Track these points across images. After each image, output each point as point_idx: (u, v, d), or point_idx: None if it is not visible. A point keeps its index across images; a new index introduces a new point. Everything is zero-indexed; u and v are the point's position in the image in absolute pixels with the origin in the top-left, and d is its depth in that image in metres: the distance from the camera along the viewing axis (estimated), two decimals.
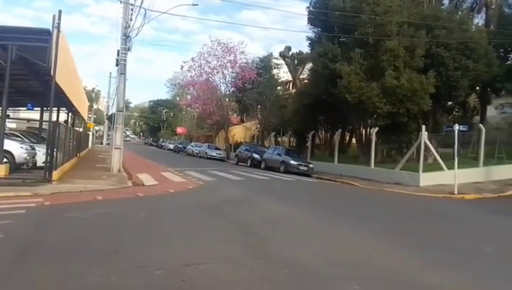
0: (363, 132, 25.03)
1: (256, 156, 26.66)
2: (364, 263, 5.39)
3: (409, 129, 21.90)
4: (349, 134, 29.96)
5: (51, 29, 10.47)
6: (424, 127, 18.02)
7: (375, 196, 14.83)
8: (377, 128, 20.63)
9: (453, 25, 20.17)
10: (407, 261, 5.63)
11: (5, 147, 11.29)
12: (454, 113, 24.60)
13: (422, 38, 19.87)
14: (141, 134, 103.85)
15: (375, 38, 19.71)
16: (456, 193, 14.89)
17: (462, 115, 24.65)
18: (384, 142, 23.73)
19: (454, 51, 19.57)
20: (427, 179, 17.00)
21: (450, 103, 23.32)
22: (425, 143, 17.57)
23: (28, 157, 12.97)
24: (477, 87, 22.73)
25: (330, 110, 24.99)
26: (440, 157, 17.95)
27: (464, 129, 16.72)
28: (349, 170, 21.38)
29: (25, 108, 24.58)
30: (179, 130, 68.29)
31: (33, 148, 13.51)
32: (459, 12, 23.08)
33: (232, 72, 36.12)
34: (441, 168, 17.57)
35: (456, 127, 15.74)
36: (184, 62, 38.72)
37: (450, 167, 16.24)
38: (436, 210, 12.03)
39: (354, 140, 28.55)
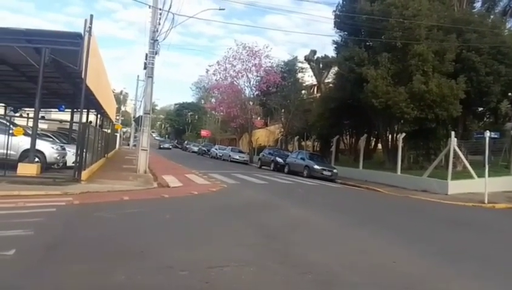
0: (390, 137, 24.63)
1: (279, 160, 26.60)
2: (389, 270, 5.27)
3: (437, 135, 21.39)
4: (374, 139, 29.55)
5: (82, 33, 10.79)
6: (453, 133, 17.53)
7: (401, 203, 14.52)
8: (404, 134, 20.25)
9: (484, 29, 19.63)
10: (433, 270, 5.47)
11: (37, 147, 11.66)
12: (485, 119, 23.92)
13: (452, 42, 19.41)
14: (166, 136, 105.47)
15: (403, 42, 19.39)
16: (486, 201, 14.43)
17: (493, 121, 23.93)
18: (412, 148, 23.24)
19: (486, 56, 19.04)
20: (456, 187, 16.54)
21: (480, 109, 22.69)
22: (454, 150, 17.10)
23: (58, 157, 13.34)
24: (510, 93, 21.98)
25: (355, 115, 24.72)
26: (470, 165, 17.44)
27: (495, 136, 16.19)
28: (374, 176, 21.04)
29: (56, 109, 25.39)
30: (203, 132, 68.98)
31: (63, 149, 13.91)
32: (491, 16, 22.47)
33: (257, 76, 36.30)
34: (470, 176, 17.06)
35: (487, 133, 15.28)
36: (209, 66, 39.21)
37: (481, 175, 15.76)
38: (465, 219, 11.66)
39: (379, 145, 28.14)
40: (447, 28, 19.86)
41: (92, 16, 11.05)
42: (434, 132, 21.40)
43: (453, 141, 17.05)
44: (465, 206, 14.17)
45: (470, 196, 15.63)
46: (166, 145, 61.19)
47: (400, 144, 20.01)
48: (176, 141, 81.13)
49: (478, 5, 24.28)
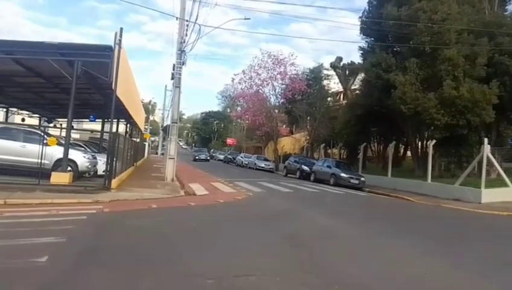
0: (419, 144, 24.07)
1: (305, 168, 26.42)
2: (421, 281, 5.11)
3: (469, 142, 20.71)
4: (403, 146, 28.92)
5: (112, 45, 11.12)
6: (486, 140, 16.94)
7: (432, 212, 14.09)
8: (434, 141, 19.72)
9: None
10: (467, 282, 5.26)
11: (69, 156, 12.05)
12: None
13: (483, 46, 18.86)
14: (193, 145, 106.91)
15: (432, 47, 18.98)
16: None
17: None
18: (443, 155, 22.58)
19: None
20: (489, 195, 15.93)
21: None
22: (487, 157, 16.50)
23: (89, 166, 13.73)
24: None
25: (383, 122, 24.30)
26: (505, 172, 16.79)
27: None
28: (403, 184, 20.53)
29: (88, 120, 26.15)
30: (229, 141, 69.52)
31: (94, 158, 14.30)
32: None
33: (282, 84, 36.34)
34: (505, 184, 16.44)
35: None
36: (235, 75, 39.81)
37: None
38: (500, 229, 11.20)
39: (409, 153, 27.52)
40: (477, 32, 19.31)
41: (121, 29, 11.41)
42: (466, 139, 20.75)
43: (486, 148, 16.47)
44: (500, 216, 13.61)
45: (505, 205, 15.02)
46: (203, 157, 48.12)
47: (430, 151, 19.48)
48: None
49: (510, 7, 23.56)
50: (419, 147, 24.05)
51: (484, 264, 6.36)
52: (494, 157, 17.10)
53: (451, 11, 19.13)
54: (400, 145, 28.49)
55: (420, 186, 19.26)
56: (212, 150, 67.76)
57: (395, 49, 21.61)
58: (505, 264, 6.56)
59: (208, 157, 49.86)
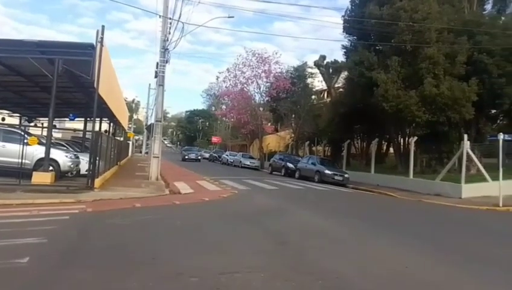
0: (401, 141, 24.47)
1: (290, 165, 26.55)
2: (403, 277, 5.22)
3: (450, 139, 21.17)
4: (386, 143, 29.37)
5: (94, 43, 10.99)
6: (466, 136, 17.34)
7: (414, 207, 14.36)
8: (415, 138, 20.07)
9: (496, 31, 19.46)
10: (449, 276, 5.39)
11: (51, 156, 11.87)
12: (498, 121, 23.62)
13: (463, 44, 19.28)
14: (178, 143, 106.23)
15: (413, 45, 19.31)
16: (501, 205, 14.20)
17: (507, 123, 23.56)
18: (424, 152, 23.03)
19: (498, 57, 18.84)
20: (469, 190, 16.33)
21: (494, 111, 22.41)
22: (467, 153, 16.89)
23: (72, 166, 13.54)
24: None
25: (366, 119, 24.61)
26: (484, 168, 17.20)
27: (509, 138, 15.93)
28: (386, 180, 20.86)
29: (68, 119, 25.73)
30: (214, 139, 69.38)
31: (77, 157, 14.10)
32: (502, 18, 22.22)
33: (267, 82, 36.33)
34: (484, 180, 16.84)
35: (501, 136, 15.09)
36: (220, 73, 39.56)
37: (495, 178, 15.51)
38: (480, 223, 11.49)
39: (391, 150, 27.95)
40: (457, 31, 19.73)
41: (103, 26, 11.27)
42: (446, 135, 21.19)
43: (466, 144, 16.85)
44: (479, 210, 13.97)
45: (484, 200, 15.42)
46: (193, 156, 43.52)
47: (412, 148, 19.84)
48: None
49: (489, 7, 24.09)
50: (401, 144, 24.45)
51: (464, 259, 6.50)
52: (474, 153, 17.52)
53: (431, 10, 19.48)
54: (383, 142, 28.92)
55: (402, 182, 19.60)
56: (197, 149, 67.44)
57: (377, 47, 21.90)
58: (485, 259, 6.74)
59: (199, 157, 45.63)
